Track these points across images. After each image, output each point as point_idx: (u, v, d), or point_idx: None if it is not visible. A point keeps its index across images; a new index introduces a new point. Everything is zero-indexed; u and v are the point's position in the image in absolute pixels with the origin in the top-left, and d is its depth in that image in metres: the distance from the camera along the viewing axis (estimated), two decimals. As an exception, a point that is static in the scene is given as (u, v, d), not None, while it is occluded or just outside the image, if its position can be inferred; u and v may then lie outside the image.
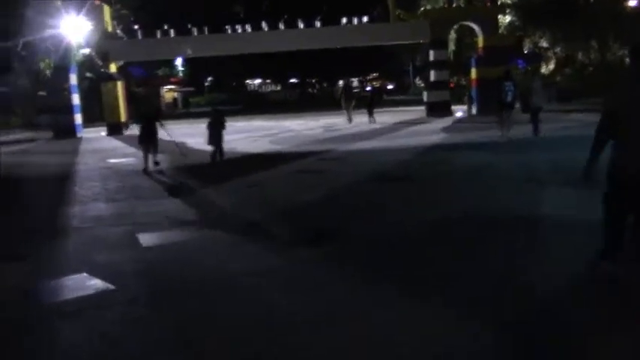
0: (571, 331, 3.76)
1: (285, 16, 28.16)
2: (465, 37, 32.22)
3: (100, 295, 4.90)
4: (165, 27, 27.74)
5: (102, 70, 25.71)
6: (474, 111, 25.49)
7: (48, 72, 25.66)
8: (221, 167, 12.87)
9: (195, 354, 3.74)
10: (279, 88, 79.88)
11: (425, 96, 27.76)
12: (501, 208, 7.31)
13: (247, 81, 78.79)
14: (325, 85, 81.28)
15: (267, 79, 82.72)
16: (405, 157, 12.90)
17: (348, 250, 5.91)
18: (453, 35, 30.95)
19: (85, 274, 5.42)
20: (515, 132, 14.81)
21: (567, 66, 33.42)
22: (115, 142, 20.89)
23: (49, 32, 24.47)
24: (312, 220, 7.37)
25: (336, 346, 3.73)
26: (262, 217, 7.59)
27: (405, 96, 54.54)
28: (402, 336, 3.80)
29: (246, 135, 19.94)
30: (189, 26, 27.36)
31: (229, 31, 27.46)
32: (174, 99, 55.05)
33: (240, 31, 27.36)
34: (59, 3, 24.70)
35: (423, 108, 27.38)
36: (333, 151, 14.65)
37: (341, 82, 31.86)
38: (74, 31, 24.81)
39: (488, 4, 30.53)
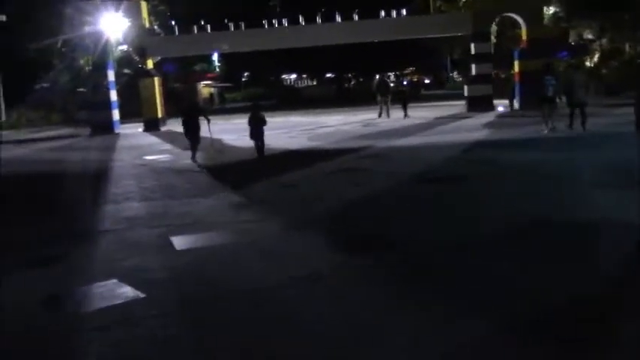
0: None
1: (323, 10, 27.69)
2: (507, 29, 31.19)
3: (130, 305, 4.58)
4: (202, 22, 27.62)
5: (139, 66, 25.81)
6: (516, 105, 24.63)
7: (87, 69, 26.01)
8: (259, 165, 12.58)
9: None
10: (314, 83, 79.46)
11: (465, 90, 26.93)
12: (566, 212, 6.72)
13: (283, 76, 78.62)
14: (361, 80, 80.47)
15: (304, 74, 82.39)
16: (450, 154, 12.29)
17: (401, 258, 5.43)
18: (494, 27, 29.99)
19: (115, 281, 5.13)
20: (560, 127, 14.16)
21: (613, 58, 32.04)
22: (151, 139, 20.83)
23: (88, 29, 24.76)
24: (360, 223, 6.93)
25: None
26: (304, 219, 7.21)
27: (442, 90, 53.52)
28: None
29: (284, 131, 19.57)
30: (225, 21, 27.17)
31: (266, 26, 27.14)
32: (211, 94, 55.26)
33: (276, 25, 27.05)
34: (98, 1, 24.94)
35: (462, 102, 26.55)
36: (373, 148, 14.15)
37: (377, 77, 31.16)
38: (112, 28, 25.05)
39: (533, -6, 29.42)
